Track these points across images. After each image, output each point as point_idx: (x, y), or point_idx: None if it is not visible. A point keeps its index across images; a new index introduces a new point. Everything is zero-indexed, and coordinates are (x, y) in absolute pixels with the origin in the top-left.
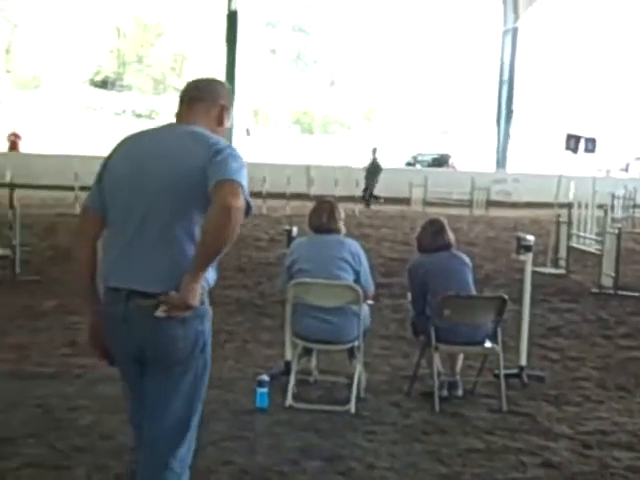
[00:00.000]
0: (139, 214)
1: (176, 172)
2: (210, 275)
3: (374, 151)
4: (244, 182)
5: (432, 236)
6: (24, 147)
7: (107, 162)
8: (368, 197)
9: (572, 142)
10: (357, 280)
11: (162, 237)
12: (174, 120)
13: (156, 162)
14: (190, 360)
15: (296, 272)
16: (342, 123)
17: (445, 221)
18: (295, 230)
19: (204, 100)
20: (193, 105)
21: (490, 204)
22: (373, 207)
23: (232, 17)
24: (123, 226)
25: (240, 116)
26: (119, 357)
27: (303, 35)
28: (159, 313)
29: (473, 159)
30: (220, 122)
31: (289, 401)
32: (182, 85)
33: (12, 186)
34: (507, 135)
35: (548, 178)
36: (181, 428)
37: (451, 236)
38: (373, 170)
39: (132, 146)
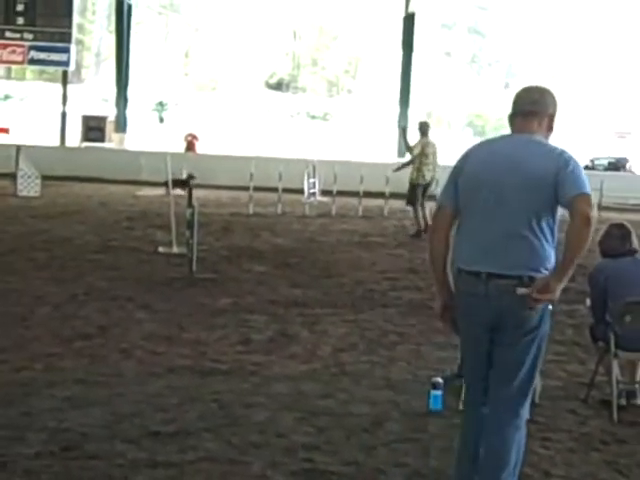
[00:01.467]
0: (497, 211)
1: (531, 176)
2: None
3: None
4: (590, 191)
5: (617, 241)
6: (201, 148)
7: (462, 167)
8: None
9: None
10: None
11: (516, 231)
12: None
13: (512, 167)
14: (537, 329)
15: None
16: None
17: (630, 226)
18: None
19: (538, 114)
20: (528, 118)
21: None
22: None
23: (409, 20)
24: (481, 221)
25: (414, 118)
26: (473, 327)
27: (478, 37)
28: (521, 291)
29: None
30: (550, 129)
31: (462, 404)
32: (356, 87)
33: (190, 186)
34: None
35: None
36: (526, 388)
37: (636, 242)
38: None
39: (485, 153)
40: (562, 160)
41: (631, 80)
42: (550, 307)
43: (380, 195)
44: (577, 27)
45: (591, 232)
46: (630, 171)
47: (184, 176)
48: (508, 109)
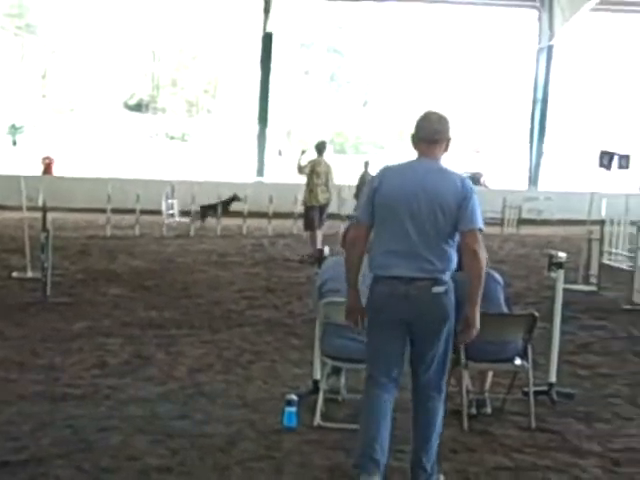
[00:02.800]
0: (412, 225)
1: (439, 200)
2: None
3: (366, 165)
4: (482, 224)
5: None
6: (58, 170)
7: (378, 187)
8: None
9: (605, 159)
10: None
11: (428, 242)
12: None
13: (423, 190)
14: (449, 320)
15: (326, 292)
16: (375, 143)
17: None
18: (327, 250)
19: (442, 141)
20: (433, 145)
21: (522, 222)
22: None
23: (267, 39)
24: (399, 234)
25: (273, 137)
26: (390, 323)
27: (337, 56)
28: (436, 289)
29: (505, 178)
30: (447, 150)
31: (317, 420)
32: (216, 107)
33: (45, 209)
34: (540, 153)
35: (580, 195)
36: (444, 368)
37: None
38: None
39: (399, 176)
40: (465, 192)
41: (486, 96)
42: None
43: (238, 214)
44: (435, 45)
45: (481, 262)
46: (484, 185)
47: (41, 200)
48: (368, 126)
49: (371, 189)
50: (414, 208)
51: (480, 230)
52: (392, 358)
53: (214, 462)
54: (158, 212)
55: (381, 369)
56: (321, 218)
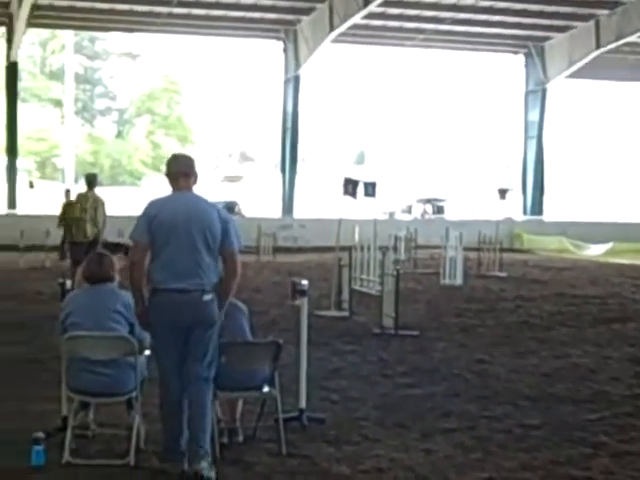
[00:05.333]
0: (185, 246)
1: (205, 225)
2: None
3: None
4: (237, 246)
5: None
6: None
7: (155, 214)
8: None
9: (350, 187)
10: (132, 332)
11: (199, 259)
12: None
13: (192, 216)
14: (216, 324)
15: (69, 325)
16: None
17: None
18: (69, 283)
19: (192, 174)
20: (187, 179)
21: (277, 250)
22: None
23: (11, 69)
24: (175, 253)
25: (24, 168)
26: (172, 328)
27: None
28: (206, 298)
29: (261, 206)
30: (195, 183)
31: (66, 457)
32: None
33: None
34: (293, 182)
35: (332, 222)
36: (212, 364)
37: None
38: None
39: (172, 205)
40: (224, 217)
41: (243, 126)
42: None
43: None
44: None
45: (238, 277)
46: (240, 214)
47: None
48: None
49: (147, 216)
50: (186, 232)
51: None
52: (174, 358)
53: None
54: None
55: (170, 369)
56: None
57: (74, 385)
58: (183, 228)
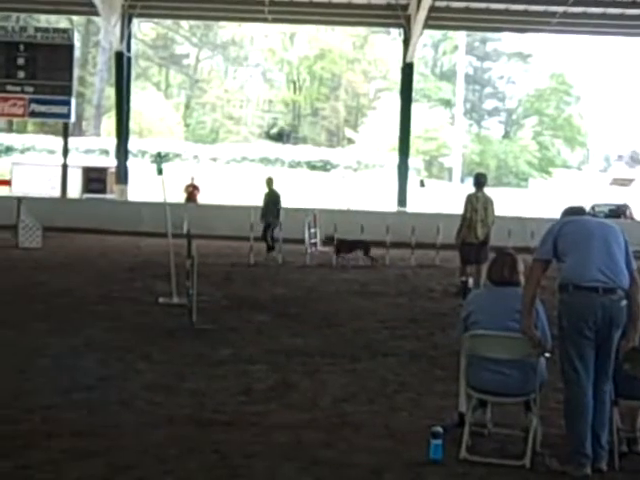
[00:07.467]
0: (594, 256)
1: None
2: None
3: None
4: None
5: None
6: (202, 198)
7: (561, 228)
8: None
9: None
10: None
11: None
12: None
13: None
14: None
15: (472, 324)
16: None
17: None
18: (471, 281)
19: None
20: None
21: None
22: None
23: (407, 69)
24: (582, 260)
25: (413, 167)
26: (584, 332)
27: (477, 86)
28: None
29: None
30: None
31: (463, 454)
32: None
33: (190, 236)
34: None
35: None
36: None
37: None
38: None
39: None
40: (625, 240)
41: None
42: None
43: (381, 244)
44: None
45: None
46: (631, 217)
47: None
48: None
49: (556, 232)
50: (590, 243)
51: None
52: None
53: None
54: (300, 241)
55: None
56: (477, 253)
57: (475, 383)
58: (587, 241)
